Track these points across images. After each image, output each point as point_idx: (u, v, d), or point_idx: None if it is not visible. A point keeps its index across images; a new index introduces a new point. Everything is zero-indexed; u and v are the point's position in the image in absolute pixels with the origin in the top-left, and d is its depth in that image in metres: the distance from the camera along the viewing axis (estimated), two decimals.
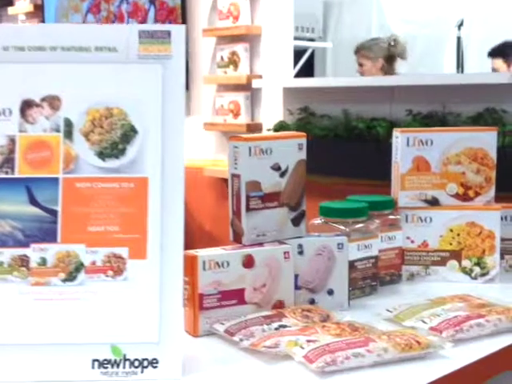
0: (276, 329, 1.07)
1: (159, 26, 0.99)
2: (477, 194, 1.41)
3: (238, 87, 3.46)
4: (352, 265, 1.29)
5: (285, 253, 1.17)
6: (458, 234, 1.40)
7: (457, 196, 1.41)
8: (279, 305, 1.17)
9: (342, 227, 1.29)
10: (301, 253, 1.21)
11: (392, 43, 3.83)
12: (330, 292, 1.23)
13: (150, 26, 0.97)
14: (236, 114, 3.48)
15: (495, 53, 3.50)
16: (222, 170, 3.37)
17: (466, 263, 1.40)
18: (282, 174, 1.19)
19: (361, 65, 3.80)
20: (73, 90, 0.96)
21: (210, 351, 1.06)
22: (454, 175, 1.40)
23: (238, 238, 1.19)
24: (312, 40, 4.22)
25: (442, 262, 1.41)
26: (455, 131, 1.42)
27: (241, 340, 1.03)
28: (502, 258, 1.46)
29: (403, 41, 3.88)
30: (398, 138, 1.40)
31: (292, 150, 1.20)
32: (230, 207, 1.20)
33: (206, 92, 3.67)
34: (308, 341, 1.01)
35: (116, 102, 0.96)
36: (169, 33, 0.97)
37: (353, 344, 0.98)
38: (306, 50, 4.16)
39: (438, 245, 1.41)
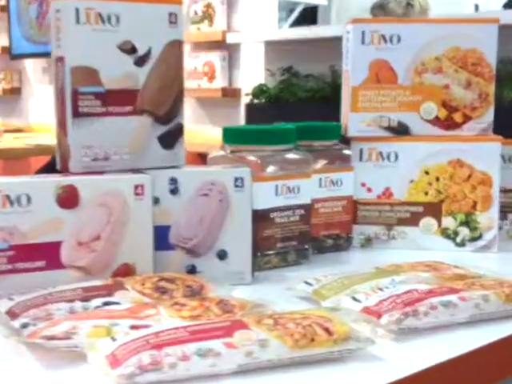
0: (98, 307, 0.62)
1: None
2: (466, 118, 0.95)
3: (213, 46, 3.01)
4: (265, 216, 0.84)
5: (136, 187, 0.72)
6: (437, 179, 0.94)
7: (436, 121, 0.95)
8: (126, 272, 0.72)
9: (253, 158, 0.84)
10: (174, 192, 0.76)
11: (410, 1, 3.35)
12: (222, 255, 0.78)
13: None
14: (211, 78, 3.03)
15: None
16: (197, 143, 2.92)
17: (448, 222, 0.94)
18: (140, 61, 0.74)
19: None
20: None
21: None
22: (432, 90, 0.94)
23: (64, 164, 0.74)
24: None
25: (414, 221, 0.95)
26: (435, 22, 0.95)
27: (23, 326, 0.59)
28: (503, 217, 1.00)
29: None
30: (350, 32, 0.94)
31: (158, 23, 0.74)
32: (55, 115, 0.75)
33: None
34: (134, 327, 0.56)
35: None
36: None
37: (202, 333, 0.53)
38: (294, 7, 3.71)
39: (406, 195, 0.95)
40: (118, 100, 0.72)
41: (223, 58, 3.00)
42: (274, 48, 2.89)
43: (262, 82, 2.90)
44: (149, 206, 0.72)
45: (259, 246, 0.83)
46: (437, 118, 0.94)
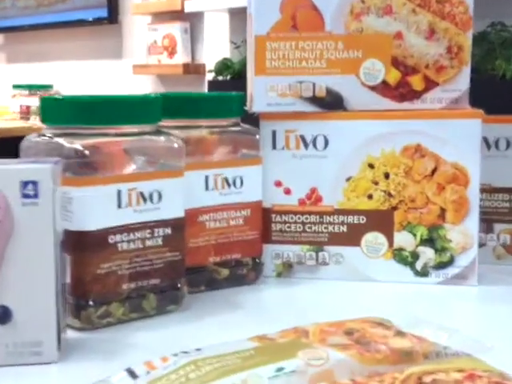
0: None
1: None
2: (429, 83, 0.63)
3: (173, 17, 2.68)
4: (100, 241, 0.52)
5: None
6: (387, 176, 0.63)
7: (384, 88, 0.63)
8: None
9: (78, 146, 0.52)
10: None
11: None
12: (2, 316, 0.46)
13: None
14: (171, 53, 2.70)
15: None
16: None
17: (403, 240, 0.63)
18: None
19: None
20: None
21: None
22: (376, 40, 0.62)
23: None
24: None
25: (353, 238, 0.64)
26: None
27: None
28: (488, 229, 0.68)
29: None
30: None
31: None
32: None
33: (139, 26, 2.89)
34: None
35: None
36: None
37: None
38: None
39: (342, 198, 0.64)
40: None
41: (184, 30, 2.67)
42: (239, 17, 2.56)
43: (228, 56, 2.58)
44: None
45: (90, 291, 0.52)
46: (385, 83, 0.63)
